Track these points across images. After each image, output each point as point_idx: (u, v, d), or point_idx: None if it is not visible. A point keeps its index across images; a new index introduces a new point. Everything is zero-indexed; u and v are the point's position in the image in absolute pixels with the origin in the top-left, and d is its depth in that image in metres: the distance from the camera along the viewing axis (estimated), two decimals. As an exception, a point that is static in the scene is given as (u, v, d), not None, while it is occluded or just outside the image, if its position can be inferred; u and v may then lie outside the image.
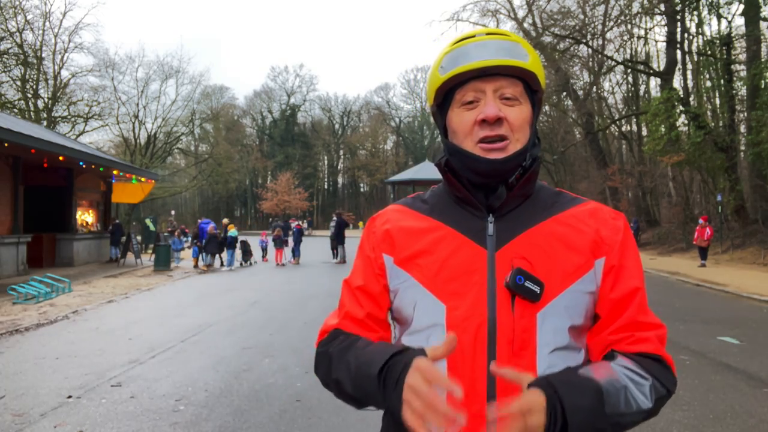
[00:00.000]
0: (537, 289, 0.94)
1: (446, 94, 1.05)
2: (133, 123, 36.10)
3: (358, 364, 0.94)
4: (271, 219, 45.11)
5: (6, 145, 11.79)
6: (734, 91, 21.17)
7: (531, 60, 1.00)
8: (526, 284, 0.94)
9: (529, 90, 1.04)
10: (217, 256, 17.92)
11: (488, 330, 0.95)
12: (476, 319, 0.95)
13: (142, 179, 21.04)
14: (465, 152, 1.01)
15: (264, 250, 20.45)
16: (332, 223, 19.71)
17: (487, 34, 1.01)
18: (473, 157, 1.00)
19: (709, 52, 22.01)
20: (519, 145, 1.01)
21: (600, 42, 27.28)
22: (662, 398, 0.94)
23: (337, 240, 19.19)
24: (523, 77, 1.01)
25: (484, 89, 1.00)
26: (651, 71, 26.67)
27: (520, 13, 29.64)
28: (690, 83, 25.70)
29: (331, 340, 1.06)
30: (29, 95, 30.33)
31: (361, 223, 57.25)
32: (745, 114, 21.53)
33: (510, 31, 1.06)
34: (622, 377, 0.91)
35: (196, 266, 17.41)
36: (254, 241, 21.48)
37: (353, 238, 19.98)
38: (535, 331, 0.95)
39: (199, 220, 19.77)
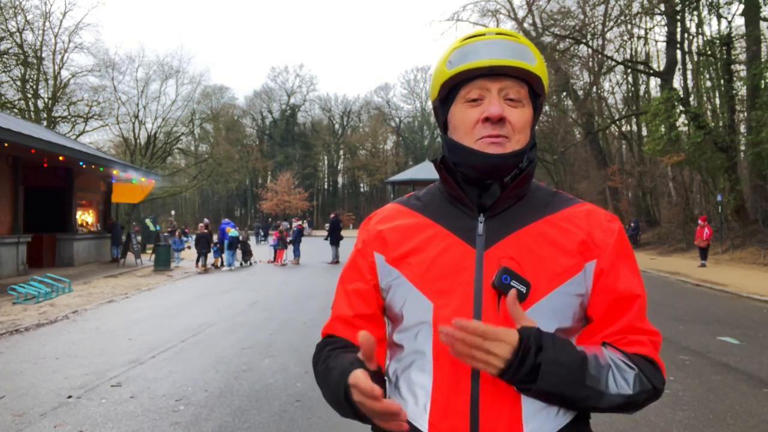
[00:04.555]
0: (523, 288, 0.94)
1: (451, 90, 1.05)
2: (133, 123, 36.00)
3: (332, 396, 1.00)
4: (267, 219, 45.01)
5: (6, 145, 11.79)
6: (734, 91, 21.17)
7: (538, 64, 1.02)
8: (512, 284, 0.94)
9: (533, 93, 1.05)
10: (219, 256, 17.91)
11: None
12: (461, 317, 0.95)
13: (142, 179, 21.03)
14: (464, 147, 1.02)
15: (275, 251, 20.31)
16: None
17: (497, 33, 1.02)
18: (472, 152, 1.00)
19: (709, 52, 22.00)
20: (518, 146, 1.01)
21: (600, 42, 27.31)
22: (647, 393, 0.94)
23: (330, 240, 19.25)
24: (529, 80, 1.02)
25: (489, 88, 1.00)
26: (651, 71, 26.67)
27: (520, 13, 29.67)
28: (690, 83, 25.71)
29: (318, 353, 1.10)
30: (29, 95, 30.27)
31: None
32: (745, 114, 21.52)
33: (511, 31, 1.06)
34: (608, 358, 0.93)
35: (216, 266, 17.78)
36: (254, 241, 21.40)
37: (352, 238, 19.97)
38: None
39: (223, 221, 19.36)
